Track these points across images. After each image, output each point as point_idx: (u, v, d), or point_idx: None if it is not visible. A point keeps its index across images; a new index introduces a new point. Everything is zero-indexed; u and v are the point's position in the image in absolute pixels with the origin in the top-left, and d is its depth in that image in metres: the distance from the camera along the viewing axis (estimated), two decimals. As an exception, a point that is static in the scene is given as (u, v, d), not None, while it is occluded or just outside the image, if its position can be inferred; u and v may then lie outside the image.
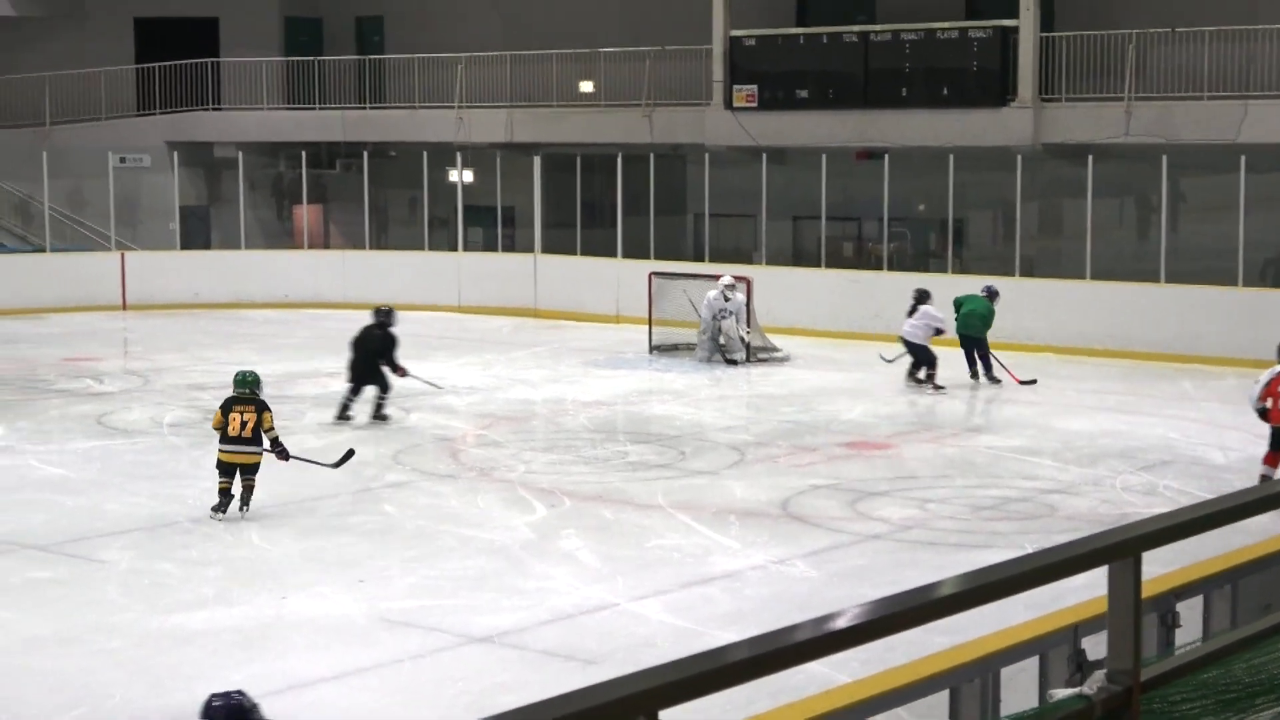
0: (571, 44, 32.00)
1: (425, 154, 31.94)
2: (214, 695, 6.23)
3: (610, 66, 31.65)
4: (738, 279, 24.50)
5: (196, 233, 35.48)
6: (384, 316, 19.79)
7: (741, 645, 2.72)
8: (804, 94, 28.58)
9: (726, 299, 24.00)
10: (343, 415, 19.31)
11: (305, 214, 34.40)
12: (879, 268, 27.94)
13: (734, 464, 17.12)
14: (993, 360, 22.21)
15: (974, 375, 22.31)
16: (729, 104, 29.12)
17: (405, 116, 33.81)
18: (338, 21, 37.58)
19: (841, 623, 2.85)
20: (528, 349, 25.12)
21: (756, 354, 24.51)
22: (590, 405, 20.90)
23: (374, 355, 19.54)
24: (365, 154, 32.87)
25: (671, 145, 30.89)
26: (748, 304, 24.41)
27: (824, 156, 27.59)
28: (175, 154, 33.73)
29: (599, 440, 18.85)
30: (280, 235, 36.06)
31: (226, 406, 14.53)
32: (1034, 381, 22.13)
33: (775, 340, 25.12)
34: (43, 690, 10.04)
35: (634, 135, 30.64)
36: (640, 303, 26.27)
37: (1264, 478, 14.91)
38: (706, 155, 29.25)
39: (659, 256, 29.01)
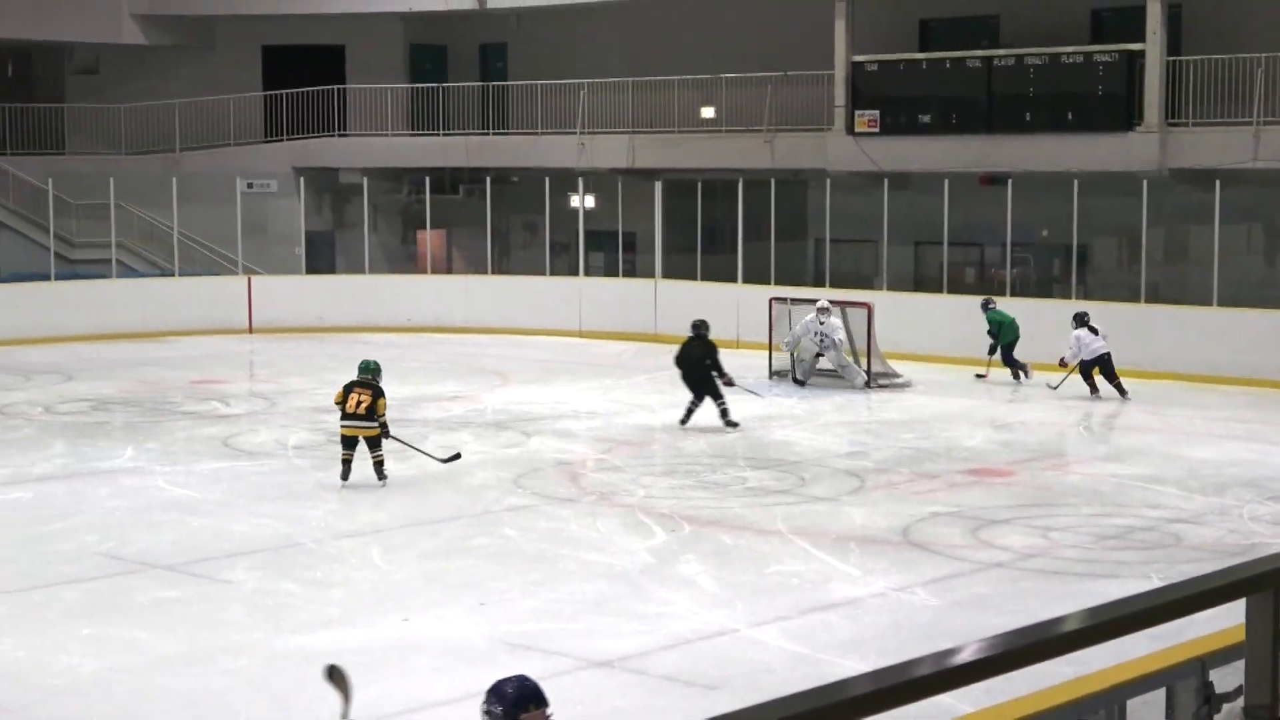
0: (694, 70, 32.08)
1: (547, 179, 32.12)
2: (502, 680, 6.25)
3: (732, 92, 31.68)
4: (835, 303, 24.56)
5: (321, 257, 35.91)
6: (701, 328, 20.95)
7: (863, 679, 2.71)
8: (926, 119, 28.46)
9: (821, 323, 24.06)
10: (685, 420, 20.79)
11: (428, 239, 34.70)
12: (1002, 293, 27.72)
13: (854, 490, 17.05)
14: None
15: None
16: (850, 129, 29.06)
17: (528, 142, 34.04)
18: (462, 48, 37.92)
19: (965, 657, 2.83)
20: (648, 374, 25.16)
21: (877, 380, 24.41)
22: (709, 430, 20.90)
23: (700, 365, 20.74)
24: (488, 179, 33.12)
25: (793, 170, 30.86)
26: (868, 329, 24.36)
27: (946, 181, 27.44)
28: (301, 180, 34.18)
29: (718, 465, 18.84)
30: (403, 260, 36.42)
31: (348, 388, 16.68)
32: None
33: (896, 366, 25.00)
34: (172, 708, 10.20)
35: (755, 160, 30.65)
36: (760, 328, 26.23)
37: None
38: (828, 180, 29.19)
39: (779, 282, 28.97)
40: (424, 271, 34.65)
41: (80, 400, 23.37)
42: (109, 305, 31.13)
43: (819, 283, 29.67)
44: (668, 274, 30.88)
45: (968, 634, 10.74)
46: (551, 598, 12.65)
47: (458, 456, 17.40)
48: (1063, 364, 23.19)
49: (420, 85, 35.98)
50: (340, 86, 35.94)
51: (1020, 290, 28.63)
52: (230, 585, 13.11)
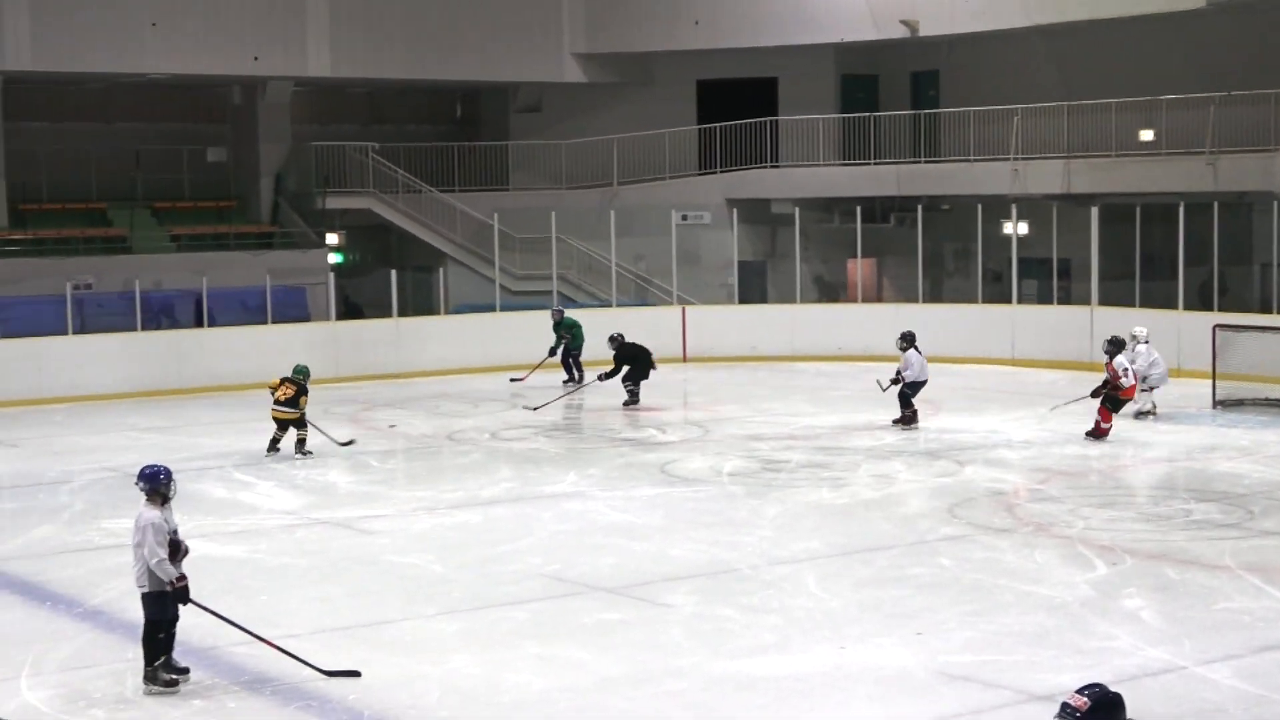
0: (1131, 92, 31.29)
1: (979, 206, 31.79)
2: (1085, 687, 6.34)
3: (1172, 114, 30.76)
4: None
5: (753, 287, 36.36)
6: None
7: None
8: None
9: (1133, 349, 23.27)
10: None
11: (859, 267, 34.74)
12: None
13: (1307, 525, 16.31)
14: None
15: None
16: (1301, 149, 27.88)
17: (960, 169, 33.77)
18: (893, 78, 37.90)
19: None
20: (1084, 402, 24.59)
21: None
22: (1150, 461, 20.32)
23: None
24: (919, 207, 32.98)
25: (1237, 193, 29.76)
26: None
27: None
28: (734, 211, 34.68)
29: (1160, 497, 18.31)
30: (834, 289, 36.55)
31: (283, 380, 21.45)
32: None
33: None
34: (615, 727, 10.45)
35: (1197, 183, 29.68)
36: (1203, 356, 25.37)
37: None
38: (1275, 203, 28.04)
39: (1223, 308, 27.96)
40: (854, 300, 34.69)
41: (524, 427, 24.20)
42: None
43: (1265, 309, 28.54)
44: (1104, 301, 30.13)
45: None
46: (989, 629, 12.49)
47: (352, 443, 21.87)
48: (895, 382, 23.34)
49: (851, 115, 36.09)
50: (772, 119, 36.34)
51: None
52: (670, 609, 13.35)
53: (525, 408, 25.50)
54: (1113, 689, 6.37)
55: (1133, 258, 29.84)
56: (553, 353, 29.38)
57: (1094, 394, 22.16)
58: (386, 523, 17.25)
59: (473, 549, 15.86)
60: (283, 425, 21.57)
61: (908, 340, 23.58)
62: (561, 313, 29.87)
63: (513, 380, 29.31)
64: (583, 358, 29.32)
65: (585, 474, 19.86)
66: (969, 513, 17.14)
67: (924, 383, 23.46)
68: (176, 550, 11.31)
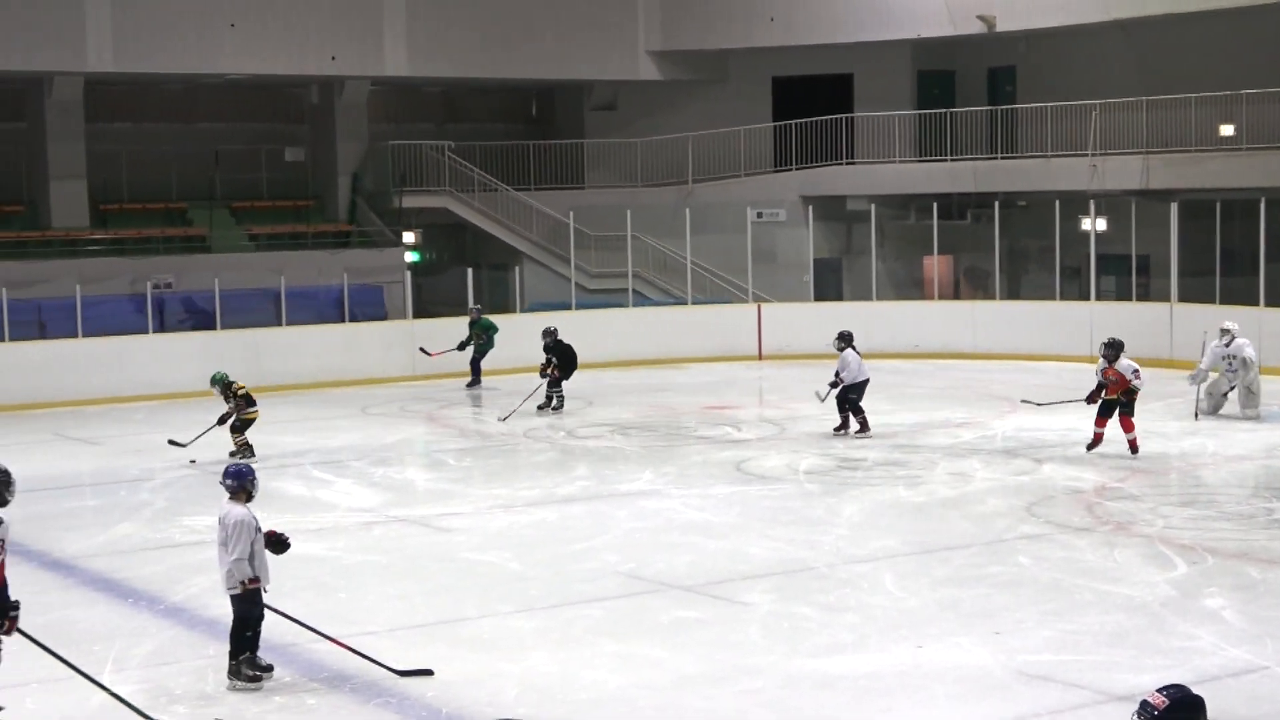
0: (1211, 86, 31.01)
1: (1057, 202, 31.58)
2: (1165, 687, 6.30)
3: (1253, 108, 30.45)
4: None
5: (829, 284, 36.27)
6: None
7: None
8: None
9: (1226, 344, 22.91)
10: None
11: (935, 264, 34.60)
12: None
13: (1392, 525, 16.11)
14: None
15: None
16: (1384, 143, 27.54)
17: (1037, 165, 33.56)
18: (970, 73, 37.72)
19: None
20: (1163, 400, 24.36)
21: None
22: (1232, 459, 20.12)
23: None
24: (996, 203, 32.80)
25: (1319, 188, 29.47)
26: None
27: None
28: (810, 208, 34.61)
29: (1242, 496, 18.12)
30: (910, 286, 36.40)
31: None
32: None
33: None
34: (693, 726, 10.46)
35: (1278, 178, 29.37)
36: (1285, 353, 25.15)
37: None
38: (1358, 197, 27.75)
39: (1305, 304, 27.68)
40: (931, 297, 34.54)
41: (600, 425, 24.24)
42: (626, 333, 32.19)
43: (1348, 305, 28.23)
44: (1183, 297, 29.87)
45: None
46: (1068, 628, 12.40)
47: (178, 444, 21.08)
48: (834, 385, 22.41)
49: (927, 111, 35.94)
50: (848, 115, 36.24)
51: None
52: (747, 607, 13.34)
53: (499, 419, 24.68)
54: (1194, 691, 6.31)
55: (1213, 253, 29.58)
56: (462, 347, 28.89)
57: (1090, 399, 20.37)
58: (464, 520, 17.33)
59: (549, 546, 15.90)
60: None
61: (845, 340, 22.78)
62: (479, 311, 29.29)
63: (423, 350, 29.18)
64: (485, 364, 28.95)
65: (661, 472, 19.87)
66: (1047, 511, 17.03)
67: (865, 383, 22.49)
68: (281, 544, 11.42)
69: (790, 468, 20.10)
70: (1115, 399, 20.06)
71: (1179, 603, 13.13)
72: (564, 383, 25.78)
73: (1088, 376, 28.53)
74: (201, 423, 21.75)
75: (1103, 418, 20.18)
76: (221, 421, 21.21)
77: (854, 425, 22.36)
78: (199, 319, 30.57)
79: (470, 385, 28.70)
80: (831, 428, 22.54)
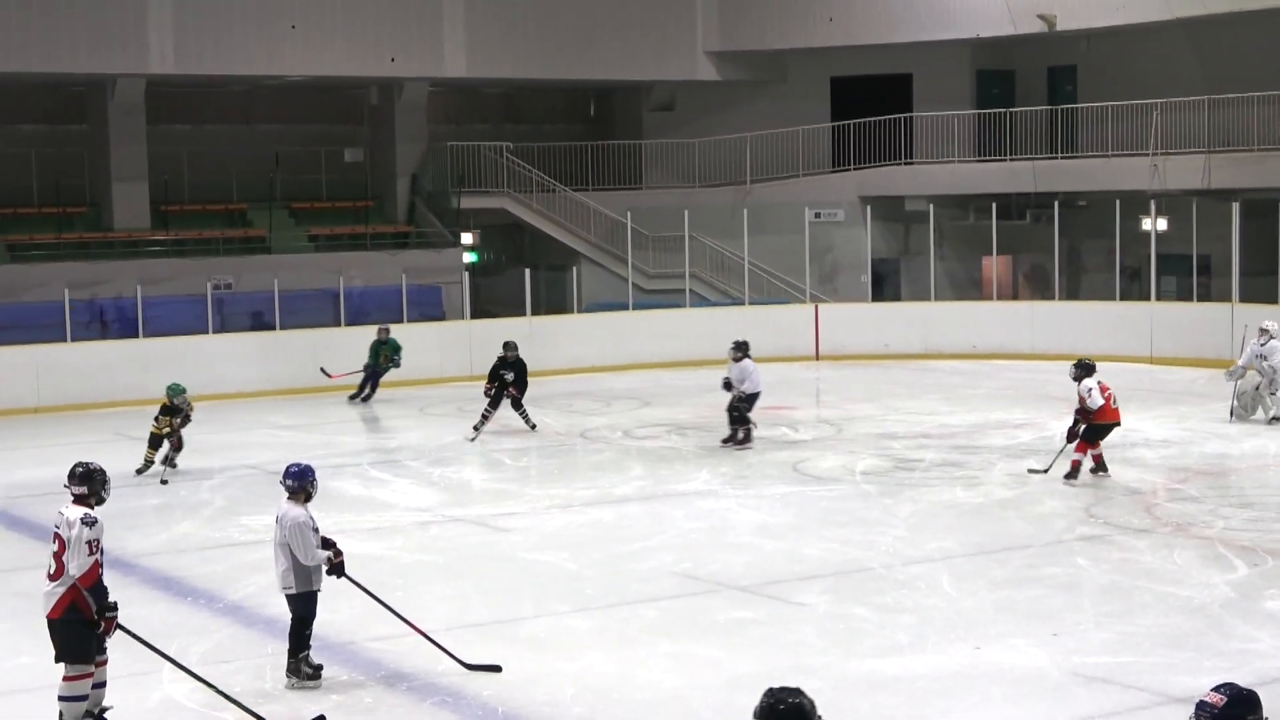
0: (1273, 85, 30.76)
1: (1117, 202, 31.39)
2: (1219, 685, 6.30)
3: (1315, 107, 30.23)
4: None
5: (887, 284, 36.20)
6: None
7: None
8: None
9: (1262, 344, 22.69)
10: None
11: (994, 265, 34.46)
12: None
13: None
14: None
15: None
16: None
17: (1097, 165, 33.38)
18: (1030, 72, 37.54)
19: None
20: (1225, 401, 24.20)
21: None
22: (1293, 461, 19.96)
23: None
24: (1056, 203, 32.62)
25: (1384, 186, 29.20)
26: None
27: None
28: (868, 208, 34.53)
29: (1304, 498, 17.99)
30: (969, 286, 36.26)
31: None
32: None
33: None
34: (748, 727, 10.43)
35: (1341, 177, 29.16)
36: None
37: None
38: None
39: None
40: (989, 298, 34.39)
41: (657, 425, 24.26)
42: (683, 333, 32.17)
43: None
44: (1245, 298, 29.64)
45: None
46: (1127, 630, 12.34)
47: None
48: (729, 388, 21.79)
49: (987, 111, 35.80)
50: (907, 115, 36.13)
51: None
52: (803, 608, 13.33)
53: (467, 438, 23.06)
54: (1248, 689, 6.30)
55: (1275, 254, 29.32)
56: (367, 370, 27.49)
57: (1070, 436, 18.74)
58: (520, 520, 17.37)
59: (605, 546, 15.93)
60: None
61: (742, 350, 21.88)
62: (388, 331, 27.92)
63: (323, 371, 27.65)
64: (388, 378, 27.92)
65: (717, 472, 19.87)
66: (1106, 512, 16.94)
67: (758, 395, 21.76)
68: (328, 549, 11.47)
69: (847, 468, 20.06)
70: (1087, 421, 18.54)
71: (1238, 604, 13.04)
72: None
73: (1149, 377, 28.52)
74: (265, 424, 21.82)
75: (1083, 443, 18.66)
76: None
77: (739, 435, 21.78)
78: (258, 320, 30.76)
79: (356, 398, 27.47)
80: (720, 439, 22.00)
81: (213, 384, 28.03)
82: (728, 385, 21.91)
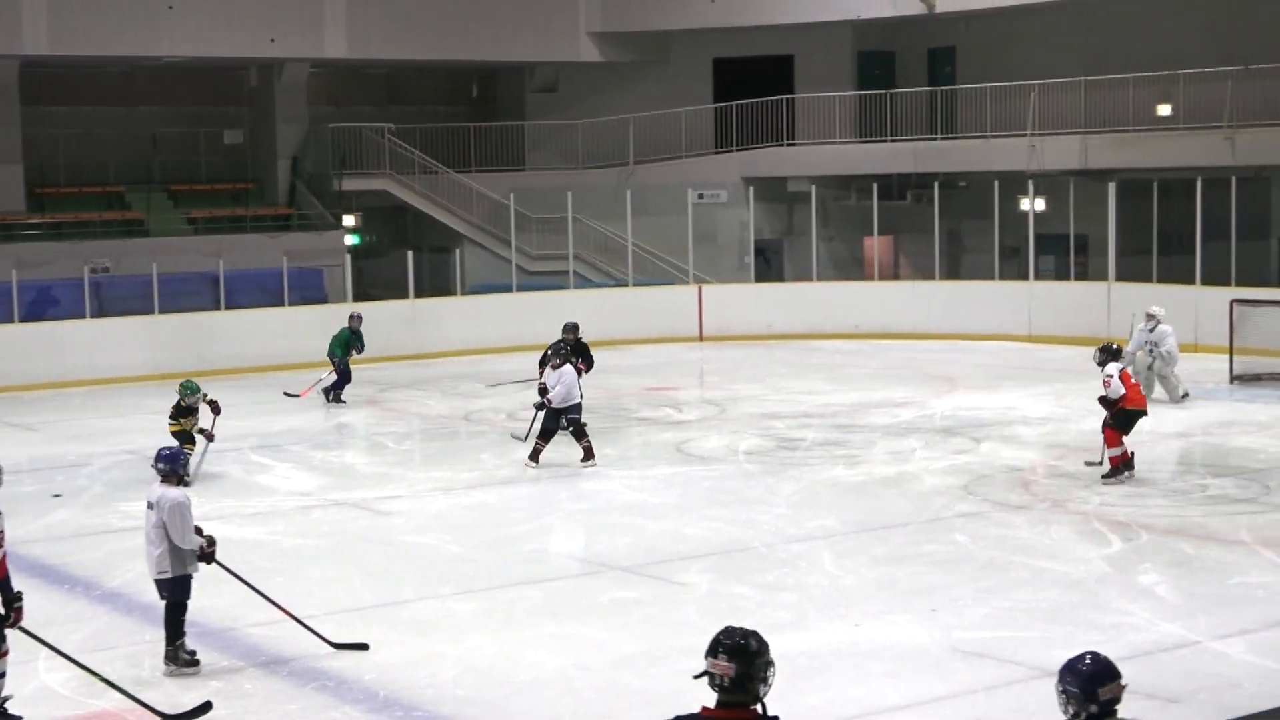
0: (1148, 66, 31.19)
1: (996, 183, 31.72)
2: (1073, 658, 6.31)
3: (1190, 88, 30.66)
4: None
5: (770, 265, 36.35)
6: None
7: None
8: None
9: (1150, 329, 22.95)
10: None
11: (876, 245, 34.72)
12: None
13: (1324, 500, 16.28)
14: None
15: None
16: (1317, 123, 27.77)
17: (976, 146, 33.70)
18: (910, 54, 37.82)
19: None
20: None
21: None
22: (1167, 437, 20.26)
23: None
24: (936, 184, 32.91)
25: (1255, 167, 29.68)
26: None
27: None
28: (750, 189, 34.66)
29: (1177, 473, 18.29)
30: (851, 266, 36.51)
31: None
32: None
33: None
34: (632, 706, 10.47)
35: (1215, 158, 29.60)
36: (1219, 331, 25.33)
37: None
38: (1293, 177, 27.99)
39: (1240, 283, 27.88)
40: (871, 278, 34.66)
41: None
42: (566, 315, 32.03)
43: (1284, 284, 28.47)
44: (1121, 276, 30.08)
45: None
46: (1004, 605, 12.50)
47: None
48: (541, 407, 19.03)
49: (868, 92, 36.04)
50: (789, 96, 36.29)
51: None
52: (685, 588, 13.39)
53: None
54: (1117, 662, 6.37)
55: (1150, 233, 29.78)
56: (341, 366, 25.20)
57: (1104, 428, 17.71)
58: (403, 503, 17.30)
59: (489, 529, 15.90)
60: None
61: (562, 356, 19.26)
62: (360, 320, 25.76)
63: (287, 394, 25.63)
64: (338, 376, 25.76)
65: (601, 453, 19.81)
66: (985, 489, 17.14)
67: (579, 404, 18.98)
68: (200, 536, 11.36)
69: (730, 448, 20.15)
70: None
71: (1113, 579, 13.26)
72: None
73: (1027, 355, 28.88)
74: (145, 409, 21.55)
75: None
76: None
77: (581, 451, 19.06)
78: (137, 303, 30.34)
79: (332, 398, 25.24)
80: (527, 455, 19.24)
81: (92, 369, 27.70)
82: (543, 393, 19.01)
